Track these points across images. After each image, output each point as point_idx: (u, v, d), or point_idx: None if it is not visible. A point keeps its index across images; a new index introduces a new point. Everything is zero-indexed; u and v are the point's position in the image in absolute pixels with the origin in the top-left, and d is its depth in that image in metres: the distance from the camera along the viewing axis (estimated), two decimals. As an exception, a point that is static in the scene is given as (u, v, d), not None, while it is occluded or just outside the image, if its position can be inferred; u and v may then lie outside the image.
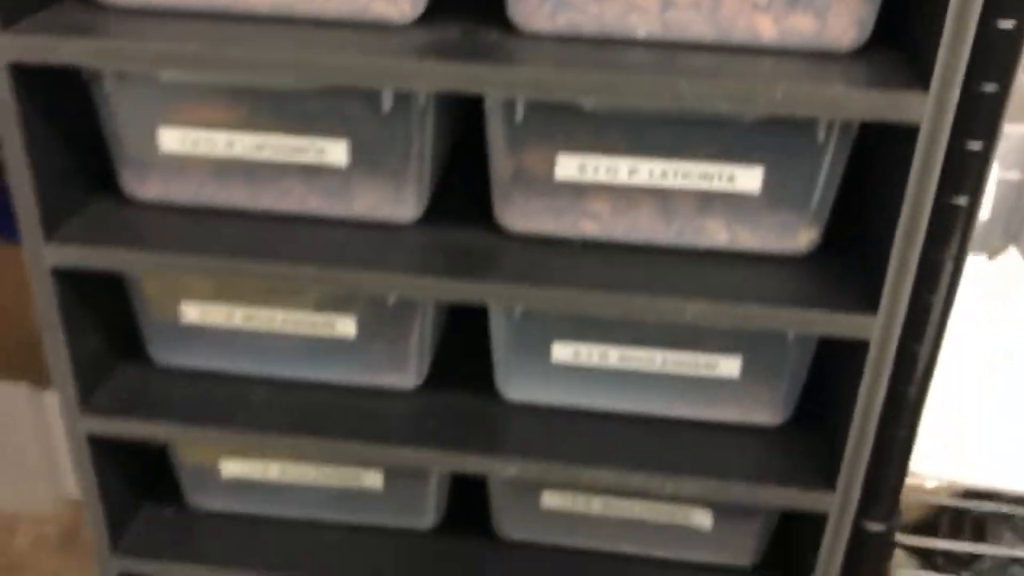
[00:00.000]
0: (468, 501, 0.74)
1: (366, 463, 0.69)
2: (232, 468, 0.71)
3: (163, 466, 0.74)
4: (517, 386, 0.66)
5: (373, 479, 0.70)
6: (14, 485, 1.20)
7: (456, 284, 0.58)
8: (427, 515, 0.73)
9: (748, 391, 0.64)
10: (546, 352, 0.63)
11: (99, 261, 0.60)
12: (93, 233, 0.60)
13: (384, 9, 0.55)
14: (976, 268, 0.92)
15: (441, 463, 0.65)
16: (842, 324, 0.56)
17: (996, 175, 0.92)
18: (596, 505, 0.69)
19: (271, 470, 0.71)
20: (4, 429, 1.16)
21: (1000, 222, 0.94)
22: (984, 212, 0.91)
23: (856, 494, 0.61)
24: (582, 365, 0.64)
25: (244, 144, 0.59)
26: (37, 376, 1.11)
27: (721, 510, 0.68)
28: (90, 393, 0.66)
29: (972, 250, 0.89)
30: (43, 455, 1.17)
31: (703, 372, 0.63)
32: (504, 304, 0.61)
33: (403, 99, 0.56)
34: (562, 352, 0.63)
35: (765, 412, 0.64)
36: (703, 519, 0.68)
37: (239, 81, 0.58)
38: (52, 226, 0.59)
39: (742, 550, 0.70)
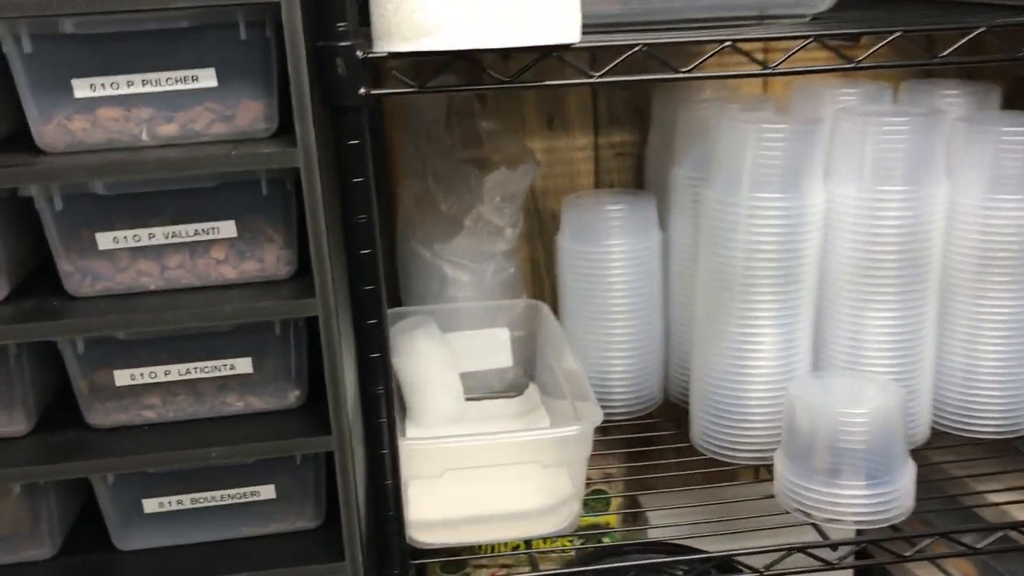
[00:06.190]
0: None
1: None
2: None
3: None
4: (124, 538, 0.92)
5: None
6: None
7: (62, 466, 0.85)
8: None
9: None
10: (137, 508, 0.91)
11: None
12: None
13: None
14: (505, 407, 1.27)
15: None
16: (316, 444, 0.87)
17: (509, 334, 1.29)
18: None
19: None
20: None
21: (519, 367, 1.31)
22: (507, 360, 1.29)
23: (358, 561, 0.91)
24: (167, 511, 0.92)
25: None
26: None
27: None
28: None
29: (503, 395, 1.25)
30: None
31: (251, 499, 0.92)
32: (100, 474, 0.88)
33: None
34: (150, 504, 0.91)
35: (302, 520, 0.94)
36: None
37: None
38: None
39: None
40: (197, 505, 0.92)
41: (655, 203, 1.21)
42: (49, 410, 0.92)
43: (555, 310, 1.25)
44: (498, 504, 1.00)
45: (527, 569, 1.02)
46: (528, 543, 1.05)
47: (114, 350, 0.87)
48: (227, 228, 0.85)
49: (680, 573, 1.09)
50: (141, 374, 0.87)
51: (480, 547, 1.09)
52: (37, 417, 0.90)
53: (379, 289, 0.84)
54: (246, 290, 0.86)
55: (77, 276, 0.85)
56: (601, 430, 1.07)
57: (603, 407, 1.09)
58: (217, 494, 0.91)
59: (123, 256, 0.85)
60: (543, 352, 1.26)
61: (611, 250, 1.18)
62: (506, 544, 1.13)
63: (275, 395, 0.90)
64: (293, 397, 0.91)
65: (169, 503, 0.91)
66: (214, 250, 0.86)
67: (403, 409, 1.18)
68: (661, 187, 1.23)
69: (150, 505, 0.91)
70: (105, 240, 0.84)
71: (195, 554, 0.92)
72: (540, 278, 1.41)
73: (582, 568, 1.00)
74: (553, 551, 1.22)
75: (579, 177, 1.39)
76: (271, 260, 0.87)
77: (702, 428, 1.11)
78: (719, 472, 1.18)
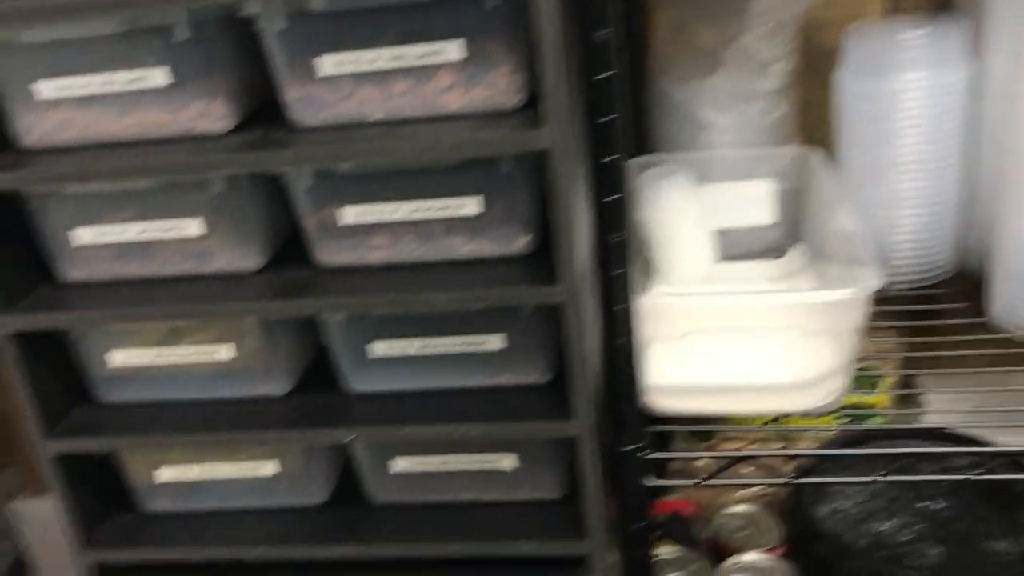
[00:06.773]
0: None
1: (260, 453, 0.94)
2: (167, 473, 0.96)
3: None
4: (353, 379, 0.90)
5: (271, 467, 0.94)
6: None
7: (294, 303, 0.83)
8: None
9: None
10: (367, 350, 0.88)
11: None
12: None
13: (210, 126, 0.82)
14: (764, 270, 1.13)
15: (308, 439, 0.89)
16: (539, 294, 0.79)
17: (775, 186, 1.14)
18: (432, 462, 0.92)
19: (193, 471, 0.95)
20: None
21: (785, 226, 1.16)
22: (769, 217, 1.15)
23: (588, 421, 0.83)
24: (395, 356, 0.88)
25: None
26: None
27: (522, 452, 0.90)
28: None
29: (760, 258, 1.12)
30: None
31: (479, 348, 0.87)
32: (329, 314, 0.86)
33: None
34: (378, 348, 0.88)
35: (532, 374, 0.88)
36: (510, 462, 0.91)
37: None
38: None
39: (547, 486, 0.92)
40: (425, 351, 0.87)
41: (968, 29, 0.99)
42: (282, 248, 0.90)
43: (832, 159, 1.08)
44: (750, 373, 0.88)
45: (780, 445, 0.91)
46: (780, 419, 0.93)
47: (340, 186, 0.82)
48: (453, 49, 0.76)
49: (961, 465, 0.95)
50: (368, 212, 0.83)
51: (727, 419, 0.99)
52: (270, 254, 0.88)
53: (617, 121, 0.72)
54: (473, 121, 0.78)
55: (300, 104, 0.80)
56: (877, 300, 0.91)
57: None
58: (444, 341, 0.87)
59: (346, 83, 0.79)
60: (814, 208, 1.10)
61: (906, 87, 0.99)
62: (756, 418, 1.01)
63: (503, 239, 0.83)
64: (523, 242, 0.83)
65: (396, 347, 0.87)
66: (440, 75, 0.77)
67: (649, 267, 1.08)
68: (977, 12, 1.01)
69: (378, 348, 0.88)
70: (327, 64, 0.78)
71: (422, 400, 0.88)
72: (815, 122, 1.22)
73: (842, 451, 0.87)
74: (810, 429, 1.09)
75: (866, 6, 1.18)
76: (501, 86, 0.77)
77: (1006, 301, 0.93)
78: (1015, 354, 0.99)
